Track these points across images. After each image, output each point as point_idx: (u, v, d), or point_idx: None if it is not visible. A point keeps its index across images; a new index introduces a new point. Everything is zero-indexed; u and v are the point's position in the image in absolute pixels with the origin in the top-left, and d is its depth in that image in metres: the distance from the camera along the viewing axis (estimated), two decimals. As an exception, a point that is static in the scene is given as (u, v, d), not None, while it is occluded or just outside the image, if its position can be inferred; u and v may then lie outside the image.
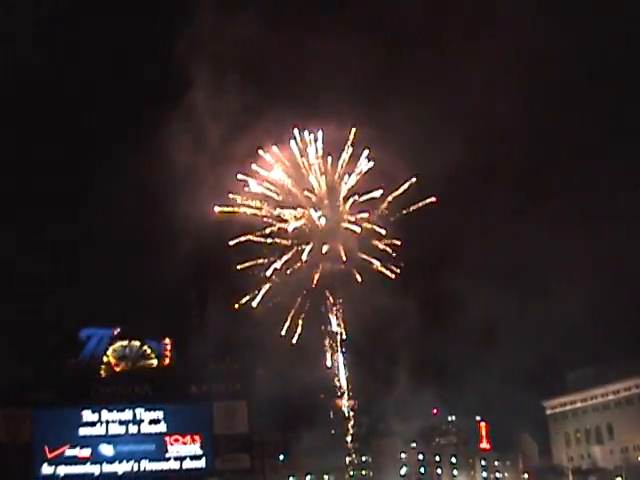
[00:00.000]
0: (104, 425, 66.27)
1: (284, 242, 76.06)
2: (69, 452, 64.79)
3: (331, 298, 78.15)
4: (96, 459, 64.98)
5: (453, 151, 70.49)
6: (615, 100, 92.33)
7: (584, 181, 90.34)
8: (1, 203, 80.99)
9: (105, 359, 69.00)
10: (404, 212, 75.60)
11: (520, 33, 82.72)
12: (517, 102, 79.06)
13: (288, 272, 75.53)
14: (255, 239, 75.45)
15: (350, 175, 76.03)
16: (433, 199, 75.51)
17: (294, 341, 74.71)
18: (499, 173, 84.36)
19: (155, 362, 70.00)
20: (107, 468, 64.94)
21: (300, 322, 75.58)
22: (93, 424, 66.11)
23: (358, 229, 76.13)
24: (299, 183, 76.38)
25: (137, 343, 70.29)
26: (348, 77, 76.56)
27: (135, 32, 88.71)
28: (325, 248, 75.70)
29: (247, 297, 75.04)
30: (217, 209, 74.58)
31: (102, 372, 68.64)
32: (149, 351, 70.43)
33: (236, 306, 74.79)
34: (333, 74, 75.21)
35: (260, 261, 75.16)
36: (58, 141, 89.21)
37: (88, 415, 66.22)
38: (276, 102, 73.45)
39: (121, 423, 66.71)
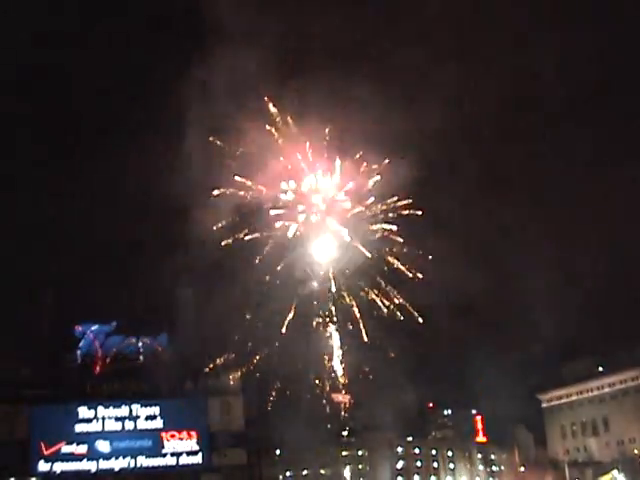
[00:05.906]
0: (100, 421, 66.22)
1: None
2: (65, 449, 64.75)
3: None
4: (92, 455, 64.96)
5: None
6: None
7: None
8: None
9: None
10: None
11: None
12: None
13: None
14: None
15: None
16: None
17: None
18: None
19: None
20: (104, 464, 64.93)
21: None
22: (89, 420, 66.08)
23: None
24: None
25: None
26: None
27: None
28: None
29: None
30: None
31: (98, 368, 68.74)
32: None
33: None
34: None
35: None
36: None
37: (84, 411, 66.16)
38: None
39: (117, 419, 66.69)
